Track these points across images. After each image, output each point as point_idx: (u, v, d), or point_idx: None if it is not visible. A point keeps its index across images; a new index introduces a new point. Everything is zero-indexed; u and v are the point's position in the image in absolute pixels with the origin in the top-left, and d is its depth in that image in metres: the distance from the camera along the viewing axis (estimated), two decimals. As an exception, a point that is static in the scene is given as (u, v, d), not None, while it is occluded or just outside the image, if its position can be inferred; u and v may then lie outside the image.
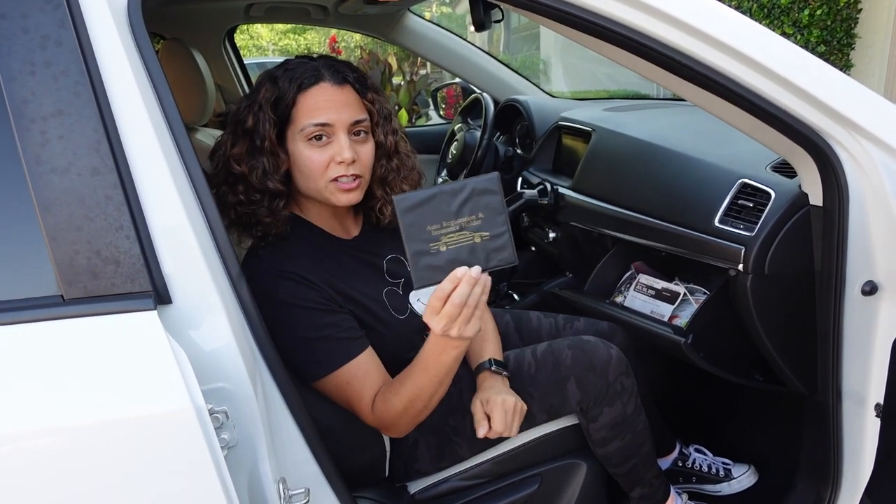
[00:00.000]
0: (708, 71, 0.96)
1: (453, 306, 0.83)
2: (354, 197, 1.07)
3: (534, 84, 2.49)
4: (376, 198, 1.15)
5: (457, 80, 2.58)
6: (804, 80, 0.97)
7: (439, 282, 0.84)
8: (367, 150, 1.08)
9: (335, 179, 1.04)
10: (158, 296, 0.76)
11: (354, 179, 1.05)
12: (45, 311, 0.73)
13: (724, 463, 1.54)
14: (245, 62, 2.63)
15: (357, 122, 1.05)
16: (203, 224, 0.82)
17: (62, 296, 0.74)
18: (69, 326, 0.73)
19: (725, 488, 1.51)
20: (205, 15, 2.28)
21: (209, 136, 1.93)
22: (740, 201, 1.25)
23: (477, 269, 0.83)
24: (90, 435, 0.72)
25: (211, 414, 0.75)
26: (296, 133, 1.04)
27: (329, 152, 1.04)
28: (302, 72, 1.04)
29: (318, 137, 1.03)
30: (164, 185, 0.78)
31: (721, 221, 1.26)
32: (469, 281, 0.83)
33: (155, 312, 0.74)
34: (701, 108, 1.10)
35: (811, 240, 1.14)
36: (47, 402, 0.71)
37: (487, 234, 0.83)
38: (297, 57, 1.09)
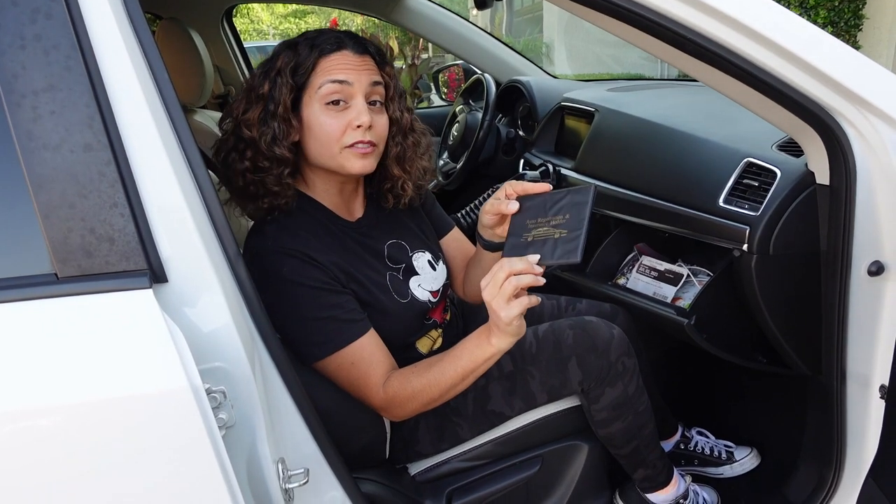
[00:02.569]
0: (714, 46, 0.94)
1: (502, 270, 0.89)
2: (369, 164, 1.06)
3: (536, 65, 2.46)
4: (393, 176, 1.14)
5: (458, 62, 2.55)
6: (813, 56, 0.94)
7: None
8: (383, 121, 1.07)
9: (351, 146, 1.03)
10: (154, 274, 0.75)
11: (370, 146, 1.04)
12: (39, 289, 0.72)
13: (726, 446, 1.54)
14: (245, 46, 2.60)
15: (375, 84, 1.04)
16: (199, 202, 0.81)
17: (56, 274, 0.72)
18: (63, 305, 0.72)
19: (728, 471, 1.51)
20: (202, -6, 2.25)
21: (207, 118, 1.92)
22: (745, 180, 1.23)
23: (536, 257, 0.90)
24: (85, 414, 0.71)
25: (208, 394, 0.75)
26: (312, 95, 1.02)
27: (346, 118, 1.02)
28: (324, 39, 1.03)
29: (336, 102, 1.02)
30: (159, 161, 0.77)
31: (726, 201, 1.24)
32: (524, 261, 0.89)
33: (150, 291, 0.73)
34: (707, 84, 1.08)
35: (817, 219, 1.12)
36: (41, 382, 0.71)
37: (566, 231, 0.90)
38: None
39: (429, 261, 1.20)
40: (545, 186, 0.97)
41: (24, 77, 0.72)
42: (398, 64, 6.45)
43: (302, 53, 1.02)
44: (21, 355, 0.71)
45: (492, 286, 0.90)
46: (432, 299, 1.18)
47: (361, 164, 1.05)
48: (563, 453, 1.24)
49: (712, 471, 1.52)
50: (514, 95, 2.26)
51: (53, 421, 0.71)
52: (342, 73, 1.01)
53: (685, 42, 0.94)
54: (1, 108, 0.72)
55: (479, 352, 0.98)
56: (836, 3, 4.77)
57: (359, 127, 1.02)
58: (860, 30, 4.93)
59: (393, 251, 1.16)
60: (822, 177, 1.09)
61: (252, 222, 1.11)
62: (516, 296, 0.90)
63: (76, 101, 0.73)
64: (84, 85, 0.73)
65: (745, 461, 1.51)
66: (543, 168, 1.83)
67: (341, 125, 1.02)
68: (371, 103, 1.05)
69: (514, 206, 0.98)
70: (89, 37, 0.75)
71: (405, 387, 1.02)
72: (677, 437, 1.55)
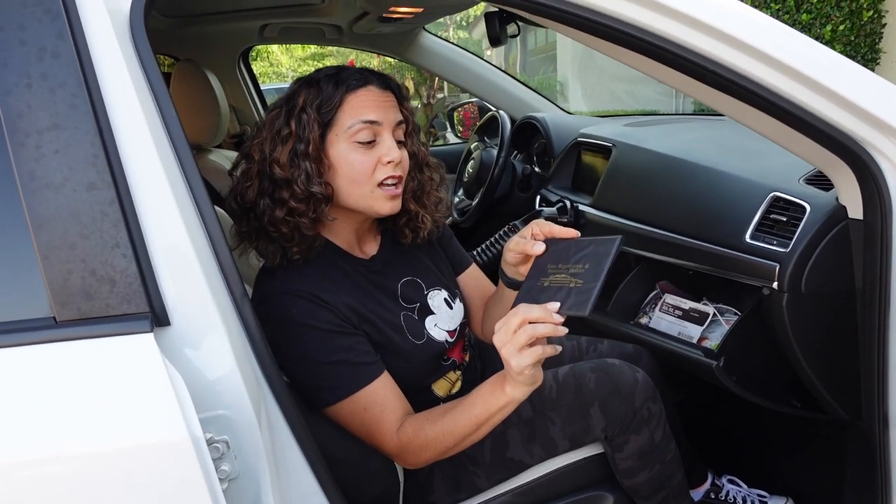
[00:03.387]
0: (735, 77, 0.91)
1: (517, 316, 0.84)
2: (398, 204, 1.05)
3: (551, 102, 2.46)
4: (410, 211, 1.12)
5: (473, 99, 2.56)
6: (840, 85, 0.91)
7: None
8: (406, 157, 1.06)
9: (381, 184, 1.02)
10: (156, 317, 0.72)
11: (397, 185, 1.03)
12: (37, 333, 0.70)
13: (759, 495, 1.45)
14: (265, 88, 2.63)
15: (399, 124, 1.04)
16: (205, 242, 0.78)
17: (55, 318, 0.70)
18: (61, 350, 0.69)
19: (762, 522, 1.42)
20: (219, 36, 2.29)
21: (223, 157, 1.92)
22: (773, 216, 1.19)
23: (555, 305, 0.85)
24: (80, 466, 0.68)
25: (210, 444, 0.71)
26: (340, 134, 1.00)
27: (376, 154, 1.01)
28: (348, 75, 1.02)
29: (365, 141, 1.00)
30: (164, 201, 0.75)
31: (753, 237, 1.19)
32: (543, 309, 0.84)
33: (151, 335, 0.70)
34: (729, 116, 1.05)
35: (851, 255, 1.07)
36: (36, 431, 0.67)
37: (581, 282, 0.86)
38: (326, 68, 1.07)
39: (445, 299, 1.16)
40: (573, 232, 0.94)
41: (29, 116, 0.71)
42: (414, 103, 6.55)
43: (326, 90, 1.00)
44: (16, 403, 0.68)
45: (504, 332, 0.85)
46: (449, 339, 1.14)
47: (392, 206, 1.04)
48: (586, 504, 1.17)
49: (745, 522, 1.43)
50: (529, 132, 2.25)
51: (46, 473, 0.68)
52: (372, 111, 1.00)
53: (706, 73, 0.92)
54: (4, 146, 0.70)
55: (493, 400, 0.93)
56: (853, 38, 4.76)
57: (389, 163, 1.01)
58: (878, 64, 4.91)
59: (407, 290, 1.12)
60: (855, 211, 1.04)
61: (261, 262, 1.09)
62: (531, 344, 0.84)
63: (81, 140, 0.72)
64: (89, 123, 0.72)
65: (780, 512, 1.43)
66: (560, 204, 1.80)
67: (372, 162, 1.01)
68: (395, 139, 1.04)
69: (539, 248, 0.94)
70: (97, 75, 0.74)
71: (419, 434, 0.98)
72: (707, 485, 1.47)
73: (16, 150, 0.70)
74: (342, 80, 1.01)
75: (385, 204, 1.03)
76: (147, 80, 0.77)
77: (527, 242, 0.97)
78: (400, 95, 1.07)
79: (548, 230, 0.96)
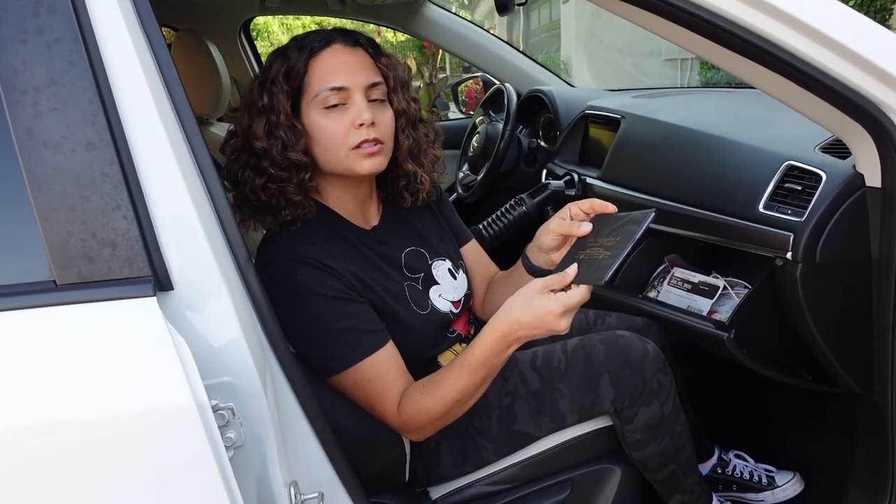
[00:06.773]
0: (754, 38, 0.88)
1: (556, 303, 0.86)
2: (378, 163, 1.02)
3: (557, 76, 2.42)
4: (408, 172, 1.09)
5: (477, 74, 2.51)
6: (861, 45, 0.88)
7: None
8: (387, 117, 1.03)
9: (357, 146, 0.99)
10: (158, 281, 0.71)
11: (376, 144, 1.00)
12: (37, 297, 0.68)
13: (766, 470, 1.45)
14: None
15: (373, 85, 1.01)
16: (208, 207, 0.76)
17: (55, 281, 0.68)
18: (62, 314, 0.68)
19: (769, 497, 1.42)
20: (219, 6, 2.25)
21: (225, 131, 1.89)
22: (787, 185, 1.16)
23: (572, 272, 0.87)
24: (81, 432, 0.66)
25: (215, 411, 0.69)
26: (310, 102, 0.99)
27: (348, 118, 0.99)
28: (312, 38, 1.00)
29: (334, 105, 0.98)
30: (166, 161, 0.73)
31: (766, 207, 1.17)
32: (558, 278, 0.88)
33: (154, 299, 0.68)
34: (740, 77, 1.01)
35: (868, 225, 1.05)
36: (35, 396, 0.66)
37: (608, 254, 0.87)
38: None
39: (449, 269, 1.15)
40: (610, 207, 0.95)
41: (25, 73, 0.68)
42: (416, 83, 6.48)
43: (292, 57, 1.00)
44: (14, 367, 0.66)
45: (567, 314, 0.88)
46: (454, 310, 1.12)
47: (370, 164, 1.01)
48: (594, 477, 1.16)
49: (752, 497, 1.43)
50: (535, 105, 2.21)
51: (46, 440, 0.66)
52: (338, 76, 0.98)
53: (722, 34, 0.89)
54: (0, 104, 0.68)
55: (498, 360, 0.94)
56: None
57: (361, 125, 0.98)
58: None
59: (410, 260, 1.11)
60: (873, 179, 1.02)
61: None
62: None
63: (79, 98, 0.69)
64: (87, 80, 0.69)
65: (787, 487, 1.42)
66: (568, 177, 1.77)
67: (343, 127, 0.99)
68: (371, 99, 1.01)
69: (586, 228, 0.94)
70: (94, 31, 0.71)
71: (420, 411, 0.97)
72: (714, 460, 1.46)
73: (12, 108, 0.67)
74: (306, 45, 0.99)
75: (363, 163, 1.00)
76: (146, 37, 0.75)
77: (572, 224, 0.97)
78: (374, 52, 1.04)
79: (587, 206, 0.96)
